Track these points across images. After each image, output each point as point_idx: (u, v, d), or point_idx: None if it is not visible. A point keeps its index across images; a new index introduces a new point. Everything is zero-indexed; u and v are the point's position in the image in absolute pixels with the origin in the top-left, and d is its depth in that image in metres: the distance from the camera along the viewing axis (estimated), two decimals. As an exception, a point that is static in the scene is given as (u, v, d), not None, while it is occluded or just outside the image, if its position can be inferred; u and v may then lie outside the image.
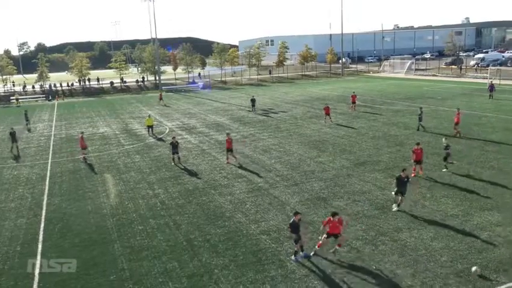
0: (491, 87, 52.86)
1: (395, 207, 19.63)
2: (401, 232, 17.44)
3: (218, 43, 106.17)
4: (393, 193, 19.82)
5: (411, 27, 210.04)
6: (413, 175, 23.52)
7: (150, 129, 40.00)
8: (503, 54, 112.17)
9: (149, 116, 42.15)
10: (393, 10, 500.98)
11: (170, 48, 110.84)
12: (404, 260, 15.32)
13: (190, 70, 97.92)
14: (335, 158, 28.89)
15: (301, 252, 15.77)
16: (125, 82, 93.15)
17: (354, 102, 47.72)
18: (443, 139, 26.30)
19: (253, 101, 51.84)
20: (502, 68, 78.40)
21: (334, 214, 15.65)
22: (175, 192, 23.65)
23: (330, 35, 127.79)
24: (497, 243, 16.18)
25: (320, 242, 15.79)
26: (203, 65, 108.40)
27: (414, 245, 16.32)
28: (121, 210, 21.32)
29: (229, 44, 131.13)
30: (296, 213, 15.76)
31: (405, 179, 19.55)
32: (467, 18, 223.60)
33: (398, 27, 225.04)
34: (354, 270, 14.76)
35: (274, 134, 37.36)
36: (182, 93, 78.48)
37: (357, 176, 24.81)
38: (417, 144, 24.28)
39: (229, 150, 28.63)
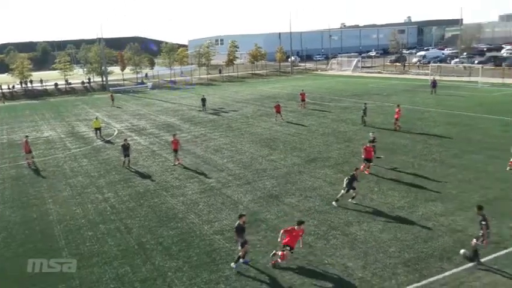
0: (434, 83, 55.23)
1: (335, 203, 20.10)
2: (351, 226, 17.90)
3: (166, 43, 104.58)
4: (343, 191, 20.15)
5: (357, 26, 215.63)
6: (361, 169, 23.97)
7: (98, 131, 38.84)
8: (443, 51, 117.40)
9: (96, 118, 40.98)
10: (339, 9, 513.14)
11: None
12: (354, 252, 15.74)
13: (138, 70, 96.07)
14: (286, 155, 29.23)
15: (241, 259, 15.16)
16: (70, 84, 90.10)
17: (303, 100, 48.41)
18: (370, 133, 27.28)
19: (203, 100, 51.55)
20: (442, 64, 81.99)
21: (300, 223, 14.97)
22: (125, 195, 23.14)
23: (279, 33, 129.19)
24: (441, 232, 16.94)
25: (284, 252, 14.90)
26: (151, 65, 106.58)
27: (364, 238, 16.80)
28: (68, 216, 20.62)
29: (177, 44, 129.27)
30: (241, 216, 15.26)
31: (357, 177, 20.19)
32: (409, 17, 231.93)
33: (344, 25, 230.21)
34: (307, 265, 15.00)
35: (226, 133, 37.33)
36: (131, 94, 76.87)
37: (308, 173, 25.21)
38: (370, 142, 24.76)
39: (175, 151, 28.29)
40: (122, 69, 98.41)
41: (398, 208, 19.44)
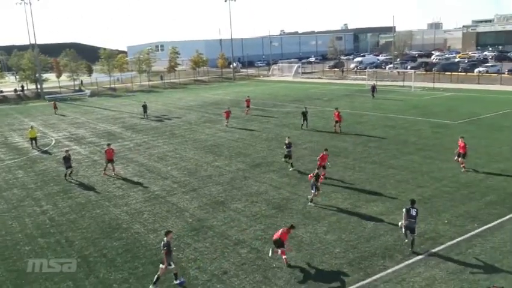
0: (373, 88, 57.41)
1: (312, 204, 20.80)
2: (297, 229, 18.11)
3: (105, 49, 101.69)
4: (313, 190, 20.73)
5: (296, 33, 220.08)
6: (321, 179, 23.77)
7: (34, 141, 37.08)
8: (378, 57, 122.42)
9: (31, 127, 39.10)
10: (278, 16, 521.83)
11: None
12: (301, 255, 16.02)
13: (75, 77, 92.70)
14: (231, 161, 29.27)
15: (177, 281, 14.57)
16: (1, 92, 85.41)
17: (248, 106, 48.75)
18: (287, 138, 27.85)
19: (144, 107, 50.64)
20: (378, 70, 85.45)
21: (291, 227, 15.71)
22: (65, 207, 22.24)
23: (220, 40, 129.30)
24: (382, 231, 17.60)
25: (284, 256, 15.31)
26: (89, 72, 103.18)
27: (309, 240, 17.14)
28: (4, 231, 19.52)
29: (117, 50, 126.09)
30: (168, 233, 14.43)
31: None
32: (345, 25, 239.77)
33: (284, 32, 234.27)
34: (255, 270, 15.08)
35: (169, 141, 36.84)
36: (69, 102, 73.98)
37: (254, 178, 25.39)
38: (325, 150, 24.57)
39: (110, 161, 27.40)
40: (58, 76, 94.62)
41: (341, 209, 20.01)
